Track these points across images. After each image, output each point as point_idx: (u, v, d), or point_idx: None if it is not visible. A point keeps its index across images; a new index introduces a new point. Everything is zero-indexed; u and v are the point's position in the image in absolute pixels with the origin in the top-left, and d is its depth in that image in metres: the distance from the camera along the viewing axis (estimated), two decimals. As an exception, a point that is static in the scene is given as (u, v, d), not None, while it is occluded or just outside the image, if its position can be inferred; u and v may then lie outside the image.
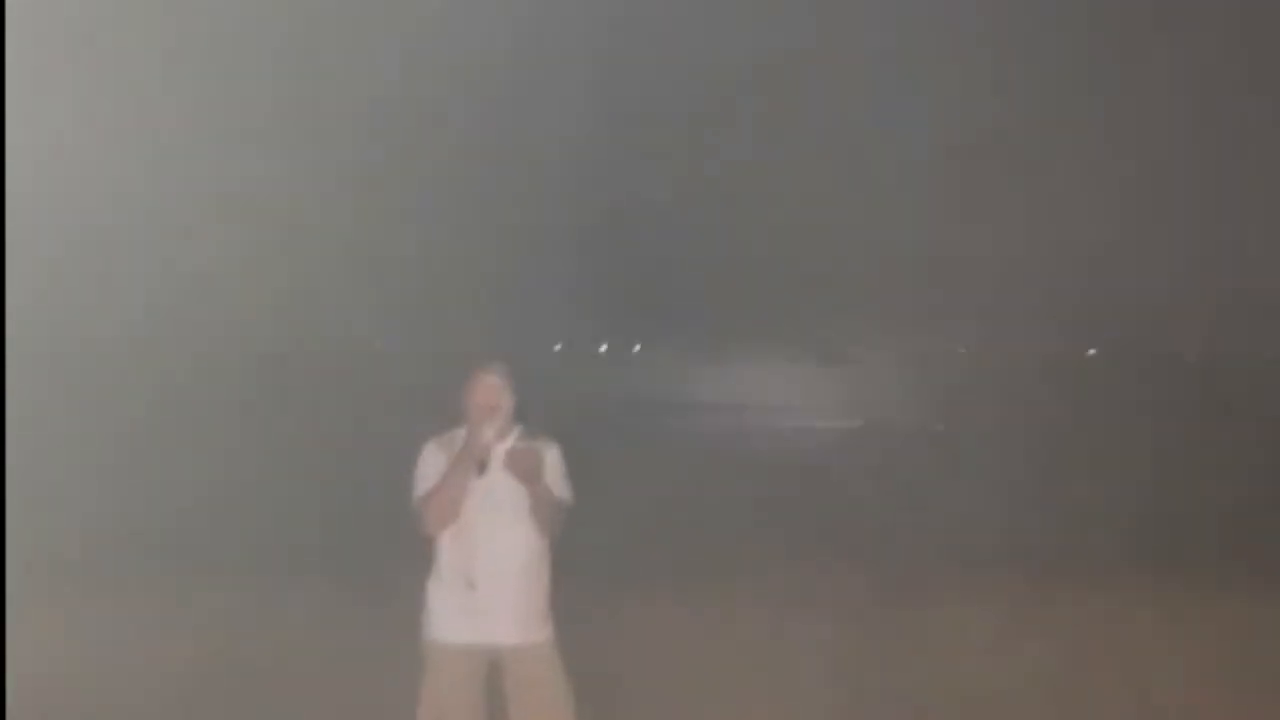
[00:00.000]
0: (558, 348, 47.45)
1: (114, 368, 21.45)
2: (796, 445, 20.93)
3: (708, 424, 23.98)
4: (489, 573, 3.81)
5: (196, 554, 8.58)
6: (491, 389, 3.85)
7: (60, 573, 7.33)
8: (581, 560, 4.26)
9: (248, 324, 29.71)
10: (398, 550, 4.34)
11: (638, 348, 58.83)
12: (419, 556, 3.99)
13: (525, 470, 3.78)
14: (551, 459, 3.90)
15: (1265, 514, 11.72)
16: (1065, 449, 18.64)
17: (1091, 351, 45.07)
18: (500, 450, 3.83)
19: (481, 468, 3.79)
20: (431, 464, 3.87)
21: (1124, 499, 12.90)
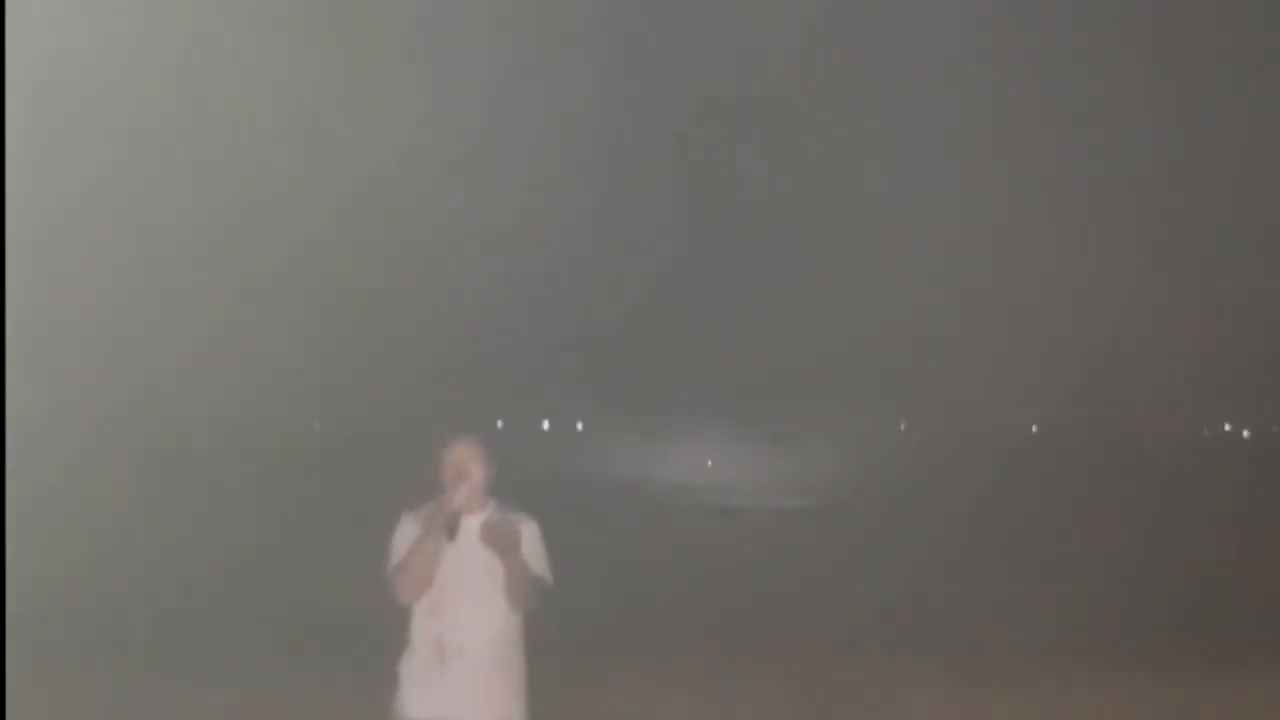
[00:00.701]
0: (500, 424, 47.22)
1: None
2: (741, 524, 20.83)
3: (650, 502, 23.83)
4: (462, 646, 3.71)
5: (147, 646, 8.29)
6: (462, 456, 3.79)
7: None
8: (547, 637, 4.12)
9: (205, 406, 29.44)
10: (370, 627, 4.19)
11: (580, 425, 58.81)
12: (388, 633, 3.86)
13: (501, 544, 3.69)
14: (529, 535, 3.81)
15: (1211, 592, 11.81)
16: (1009, 525, 18.71)
17: (1035, 428, 45.72)
18: (475, 523, 3.70)
19: (451, 532, 3.67)
20: (405, 534, 3.78)
21: (1068, 578, 12.98)
